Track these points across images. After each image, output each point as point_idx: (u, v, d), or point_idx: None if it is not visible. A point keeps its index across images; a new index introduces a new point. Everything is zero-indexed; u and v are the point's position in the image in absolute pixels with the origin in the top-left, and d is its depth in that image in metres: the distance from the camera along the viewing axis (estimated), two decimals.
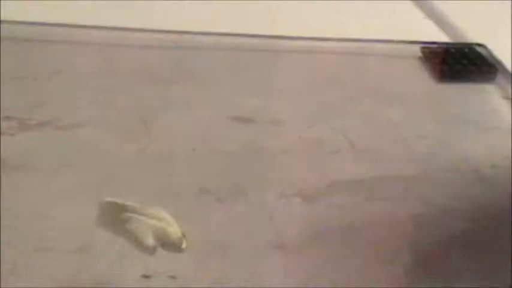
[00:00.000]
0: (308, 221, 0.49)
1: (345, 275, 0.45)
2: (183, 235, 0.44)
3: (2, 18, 0.67)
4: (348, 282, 0.44)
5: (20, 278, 0.42)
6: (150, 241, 0.43)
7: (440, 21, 0.80)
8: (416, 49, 0.73)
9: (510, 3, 0.77)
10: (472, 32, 0.77)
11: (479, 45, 0.74)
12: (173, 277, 0.43)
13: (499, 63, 0.71)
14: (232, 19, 0.75)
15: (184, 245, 0.44)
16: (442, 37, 0.77)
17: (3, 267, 0.42)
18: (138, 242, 0.43)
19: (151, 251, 0.43)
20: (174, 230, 0.44)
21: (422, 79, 0.69)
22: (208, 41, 0.70)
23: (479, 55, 0.73)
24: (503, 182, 0.55)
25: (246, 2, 0.78)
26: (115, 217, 0.44)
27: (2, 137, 0.54)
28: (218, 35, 0.71)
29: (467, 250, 0.48)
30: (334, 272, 0.45)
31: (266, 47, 0.71)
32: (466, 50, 0.74)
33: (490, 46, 0.74)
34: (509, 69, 0.70)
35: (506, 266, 0.45)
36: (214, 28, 0.71)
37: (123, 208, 0.44)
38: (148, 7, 0.76)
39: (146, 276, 0.43)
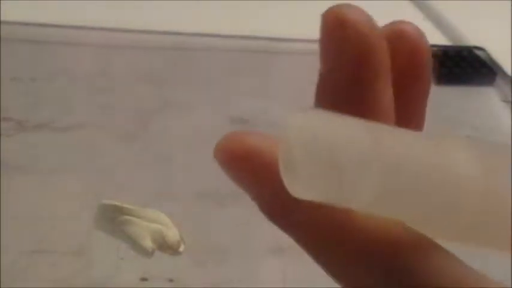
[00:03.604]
0: None
1: None
2: (181, 238, 0.44)
3: (1, 19, 0.66)
4: None
5: (18, 280, 0.42)
6: (148, 244, 0.43)
7: (439, 24, 0.80)
8: None
9: (509, 7, 0.77)
10: (471, 35, 0.77)
11: (478, 48, 0.74)
12: (171, 280, 0.43)
13: (498, 66, 0.71)
14: (231, 21, 0.75)
15: (182, 248, 0.44)
16: (441, 40, 0.77)
17: (2, 269, 0.42)
18: (136, 245, 0.43)
19: (149, 253, 0.43)
20: (172, 233, 0.44)
21: None
22: (207, 43, 0.70)
23: (478, 58, 0.73)
24: None
25: (244, 4, 0.78)
26: (113, 219, 0.43)
27: (0, 138, 0.53)
28: (216, 37, 0.71)
29: (468, 250, 0.47)
30: None
31: (265, 48, 0.71)
32: (465, 53, 0.74)
33: (489, 49, 0.74)
34: (508, 72, 0.70)
35: (506, 266, 0.45)
36: (212, 30, 0.71)
37: (121, 210, 0.44)
38: (146, 9, 0.76)
39: (144, 279, 0.43)
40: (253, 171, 0.19)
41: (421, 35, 0.20)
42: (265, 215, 0.20)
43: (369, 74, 0.19)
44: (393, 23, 0.20)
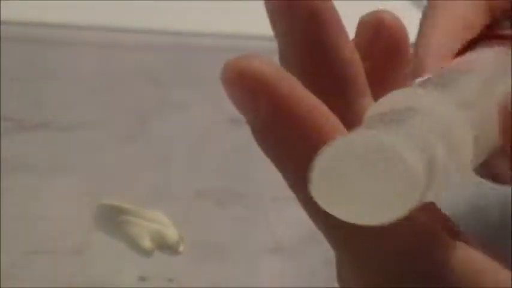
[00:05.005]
0: (304, 223, 0.49)
1: None
2: (181, 238, 0.44)
3: (1, 19, 0.66)
4: None
5: (18, 280, 0.42)
6: (147, 243, 0.43)
7: None
8: None
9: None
10: None
11: None
12: (170, 279, 0.43)
13: None
14: (231, 21, 0.75)
15: (181, 248, 0.44)
16: None
17: (2, 269, 0.42)
18: (135, 245, 0.43)
19: (148, 253, 0.43)
20: (171, 232, 0.44)
21: None
22: (207, 42, 0.70)
23: None
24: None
25: (244, 4, 0.78)
26: (112, 219, 0.44)
27: (0, 138, 0.54)
28: (216, 37, 0.71)
29: None
30: (330, 274, 0.45)
31: (265, 48, 0.71)
32: None
33: None
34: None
35: (506, 265, 0.45)
36: (212, 30, 0.71)
37: (120, 210, 0.44)
38: (147, 8, 0.76)
39: (143, 279, 0.43)
40: (257, 91, 0.18)
41: (399, 22, 0.21)
42: (256, 137, 0.19)
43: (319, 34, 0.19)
44: (373, 12, 0.21)
